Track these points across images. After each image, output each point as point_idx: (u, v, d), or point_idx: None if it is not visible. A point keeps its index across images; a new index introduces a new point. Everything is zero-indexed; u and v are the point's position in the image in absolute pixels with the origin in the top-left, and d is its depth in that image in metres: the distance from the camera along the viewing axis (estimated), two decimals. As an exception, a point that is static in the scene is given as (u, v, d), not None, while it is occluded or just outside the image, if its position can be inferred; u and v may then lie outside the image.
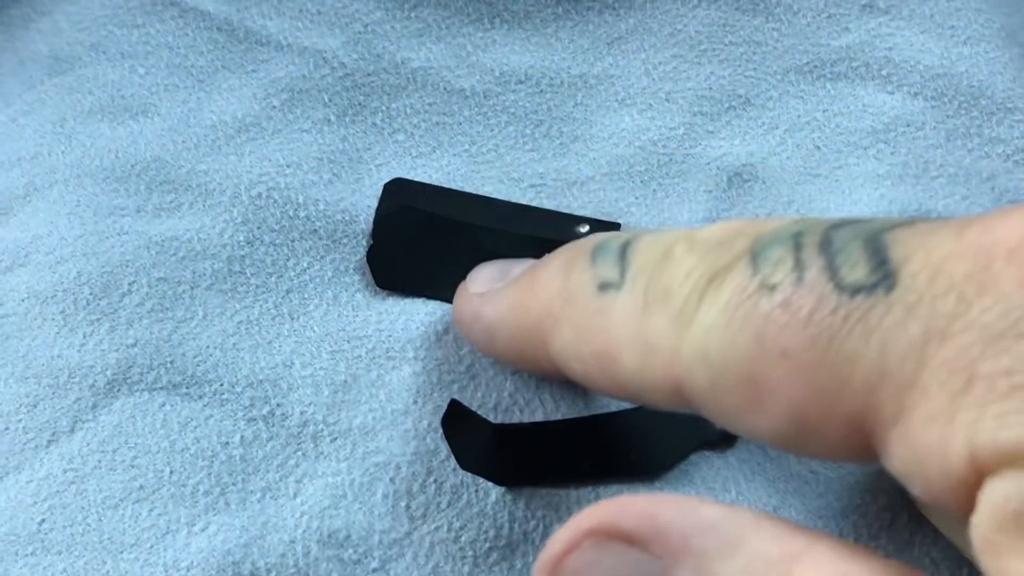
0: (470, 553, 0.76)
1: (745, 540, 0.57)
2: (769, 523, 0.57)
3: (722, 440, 0.80)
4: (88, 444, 0.79)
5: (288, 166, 0.92)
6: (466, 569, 0.76)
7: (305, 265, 0.87)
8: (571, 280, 0.72)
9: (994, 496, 0.53)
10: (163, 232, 0.88)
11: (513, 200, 0.91)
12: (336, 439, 0.80)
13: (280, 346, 0.84)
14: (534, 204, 0.91)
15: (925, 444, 0.55)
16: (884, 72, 0.96)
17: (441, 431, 0.78)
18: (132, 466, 0.78)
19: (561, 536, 0.61)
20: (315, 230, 0.89)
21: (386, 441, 0.80)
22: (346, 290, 0.87)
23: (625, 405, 0.82)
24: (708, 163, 0.92)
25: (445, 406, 0.78)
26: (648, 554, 0.59)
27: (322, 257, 0.88)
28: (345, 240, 0.89)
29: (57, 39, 0.99)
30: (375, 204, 0.91)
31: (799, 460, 0.78)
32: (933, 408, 0.54)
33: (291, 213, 0.89)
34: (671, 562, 0.58)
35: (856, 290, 0.58)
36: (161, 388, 0.81)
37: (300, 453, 0.80)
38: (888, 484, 0.77)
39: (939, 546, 0.76)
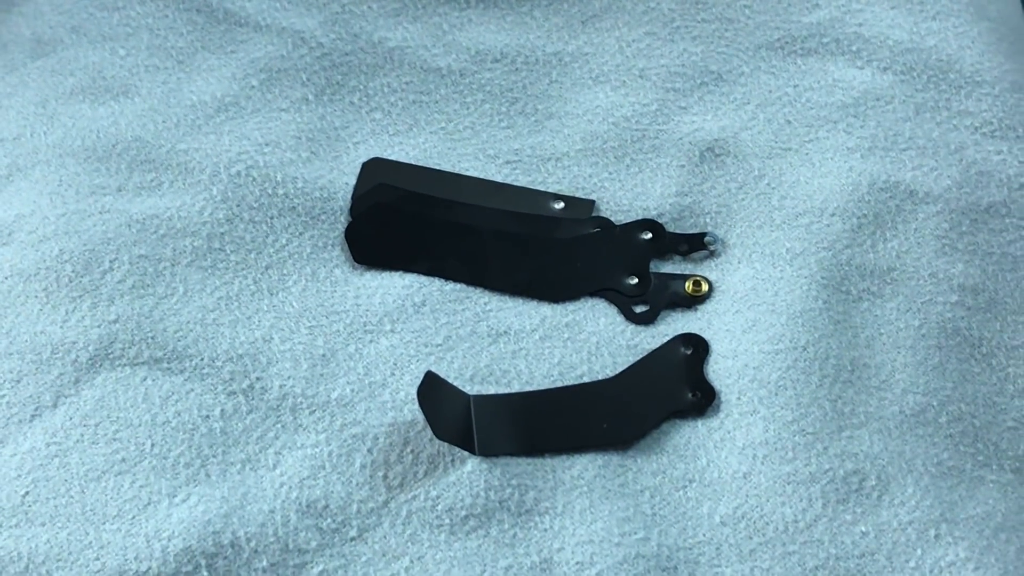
0: (447, 521, 0.77)
1: None
2: None
3: (693, 409, 0.82)
4: (71, 418, 0.80)
5: (267, 145, 0.93)
6: (443, 537, 0.77)
7: (284, 242, 0.89)
8: None
9: None
10: (144, 210, 0.89)
11: (489, 176, 0.92)
12: (315, 411, 0.81)
13: (259, 321, 0.85)
14: (510, 180, 0.92)
15: None
16: (854, 47, 0.97)
17: (417, 402, 0.79)
18: (114, 439, 0.80)
19: None
20: (294, 207, 0.90)
21: (364, 413, 0.81)
22: (324, 266, 0.88)
23: (598, 376, 0.83)
24: (681, 138, 0.93)
25: (422, 377, 0.79)
26: None
27: (301, 234, 0.89)
28: (323, 217, 0.90)
29: (39, 22, 1.00)
30: (353, 181, 0.92)
31: (766, 427, 0.80)
32: None
33: (270, 191, 0.90)
34: None
35: None
36: (143, 363, 0.83)
37: (279, 425, 0.81)
38: (856, 448, 0.79)
39: (906, 508, 0.77)
